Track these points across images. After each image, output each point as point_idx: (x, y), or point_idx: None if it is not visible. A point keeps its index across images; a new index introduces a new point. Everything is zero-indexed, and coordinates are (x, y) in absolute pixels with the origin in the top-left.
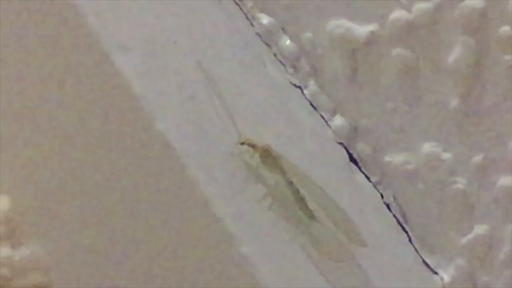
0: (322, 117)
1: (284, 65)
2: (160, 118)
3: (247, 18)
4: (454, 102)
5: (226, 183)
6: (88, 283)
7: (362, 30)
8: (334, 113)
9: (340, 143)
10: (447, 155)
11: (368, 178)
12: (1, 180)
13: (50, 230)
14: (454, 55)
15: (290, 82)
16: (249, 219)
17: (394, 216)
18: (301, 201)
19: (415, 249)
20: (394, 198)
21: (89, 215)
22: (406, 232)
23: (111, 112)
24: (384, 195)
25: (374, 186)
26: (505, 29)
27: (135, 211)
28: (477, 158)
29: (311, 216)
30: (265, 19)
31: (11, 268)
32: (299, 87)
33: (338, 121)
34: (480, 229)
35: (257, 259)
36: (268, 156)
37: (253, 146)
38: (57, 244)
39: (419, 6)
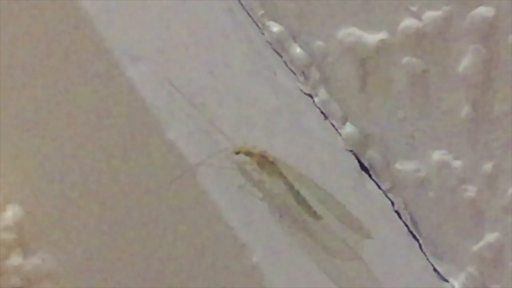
0: (333, 125)
1: (294, 73)
2: (171, 127)
3: (257, 26)
4: (465, 110)
5: (237, 192)
6: None
7: (373, 38)
8: (344, 121)
9: (351, 151)
10: (457, 163)
11: (378, 186)
12: (13, 189)
13: (61, 239)
14: (465, 63)
15: (301, 90)
16: (260, 229)
17: (405, 223)
18: (303, 202)
19: (426, 257)
20: (405, 205)
21: (100, 224)
22: (417, 240)
23: (122, 122)
24: (394, 202)
25: (385, 193)
26: None
27: (147, 220)
28: (488, 166)
29: (315, 215)
30: (275, 28)
31: (23, 276)
32: (310, 95)
33: (348, 129)
34: (490, 237)
35: (268, 268)
36: (265, 161)
37: (249, 154)
38: (68, 252)
39: (429, 15)
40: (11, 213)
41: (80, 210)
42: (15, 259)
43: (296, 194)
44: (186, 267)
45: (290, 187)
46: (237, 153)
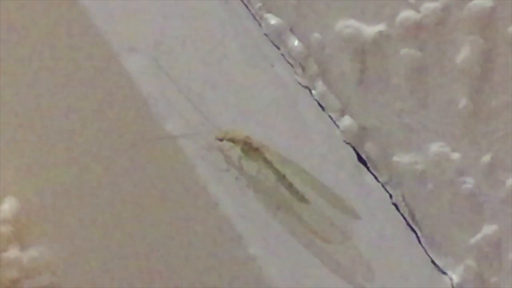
0: (330, 117)
1: (292, 65)
2: (169, 119)
3: (255, 18)
4: (463, 102)
5: (234, 184)
6: (96, 284)
7: (371, 30)
8: (342, 113)
9: (348, 144)
10: (455, 155)
11: (376, 178)
12: (10, 182)
13: (58, 232)
14: (463, 54)
15: (298, 83)
16: (257, 220)
17: (403, 216)
18: (289, 186)
19: (424, 250)
20: (403, 198)
21: (97, 217)
22: (415, 233)
23: (120, 114)
24: (392, 195)
25: (383, 186)
26: None
27: (143, 212)
28: (486, 158)
29: (303, 199)
30: (273, 20)
31: (20, 269)
32: (307, 87)
33: (346, 121)
34: (489, 229)
35: (265, 260)
36: (249, 147)
37: (232, 140)
38: (65, 245)
39: (427, 6)
40: (8, 206)
41: (77, 203)
42: (12, 252)
43: (282, 179)
44: (182, 259)
45: (275, 171)
46: (221, 139)
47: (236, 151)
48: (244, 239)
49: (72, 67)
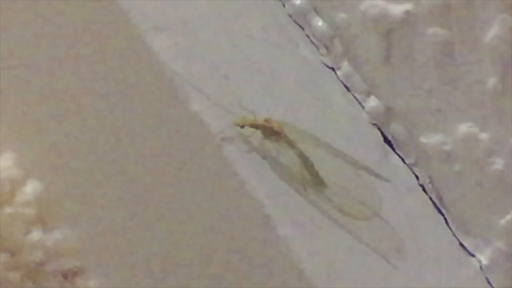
0: (356, 98)
1: (316, 46)
2: (195, 99)
3: None
4: (492, 81)
5: (261, 165)
6: (120, 267)
7: (397, 9)
8: (368, 94)
9: (374, 125)
10: (484, 136)
11: (403, 159)
12: (33, 164)
13: (82, 214)
14: (492, 33)
15: (323, 63)
16: (286, 201)
17: (430, 198)
18: (311, 168)
19: (452, 232)
20: (430, 179)
21: (121, 199)
22: (442, 215)
23: (146, 94)
24: (419, 177)
25: (409, 167)
26: None
27: (170, 194)
28: None
29: (322, 183)
30: (297, 0)
31: (43, 252)
32: (332, 68)
33: (372, 102)
34: None
35: (295, 241)
36: (270, 131)
37: (253, 125)
38: (89, 228)
39: None
40: (31, 188)
41: (101, 185)
42: (35, 234)
43: (305, 160)
44: (211, 242)
45: (298, 153)
46: (242, 126)
47: (258, 135)
48: (273, 220)
49: (98, 48)
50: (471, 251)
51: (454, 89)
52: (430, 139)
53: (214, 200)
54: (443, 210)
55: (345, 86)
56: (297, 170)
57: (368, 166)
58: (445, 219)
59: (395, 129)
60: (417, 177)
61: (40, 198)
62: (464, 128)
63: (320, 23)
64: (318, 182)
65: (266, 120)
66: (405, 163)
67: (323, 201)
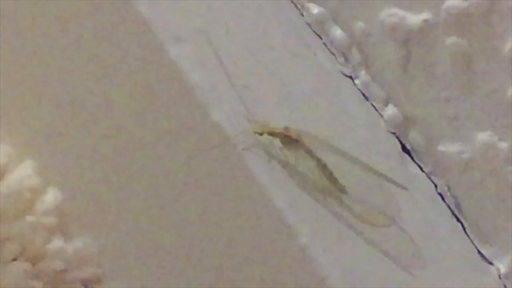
0: (374, 107)
1: (334, 55)
2: (215, 108)
3: (297, 8)
4: (510, 91)
5: (281, 174)
6: (140, 275)
7: (415, 18)
8: (386, 103)
9: (393, 133)
10: (503, 144)
11: (421, 168)
12: (53, 173)
13: (103, 223)
14: (510, 42)
15: (341, 72)
16: (307, 210)
17: (448, 206)
18: (329, 176)
19: (470, 240)
20: (448, 188)
21: (141, 208)
22: (461, 223)
23: (166, 103)
24: (437, 185)
25: (428, 176)
26: None
27: (190, 203)
28: None
29: (342, 189)
30: (315, 9)
31: (64, 260)
32: (350, 77)
33: (390, 110)
34: None
35: (316, 249)
36: (289, 139)
37: (271, 133)
38: (110, 236)
39: None
40: (52, 196)
41: (122, 194)
42: (56, 243)
43: (323, 167)
44: (232, 251)
45: (317, 161)
46: (260, 134)
47: (276, 144)
48: (293, 228)
49: (119, 57)
50: (489, 259)
51: (473, 98)
52: (448, 148)
53: (235, 209)
54: (461, 218)
55: (363, 94)
56: (316, 178)
57: (386, 175)
58: (463, 227)
59: (413, 137)
60: (435, 186)
61: (60, 206)
62: (482, 136)
63: (338, 32)
64: (337, 190)
65: (284, 129)
66: (423, 171)
67: (342, 209)
